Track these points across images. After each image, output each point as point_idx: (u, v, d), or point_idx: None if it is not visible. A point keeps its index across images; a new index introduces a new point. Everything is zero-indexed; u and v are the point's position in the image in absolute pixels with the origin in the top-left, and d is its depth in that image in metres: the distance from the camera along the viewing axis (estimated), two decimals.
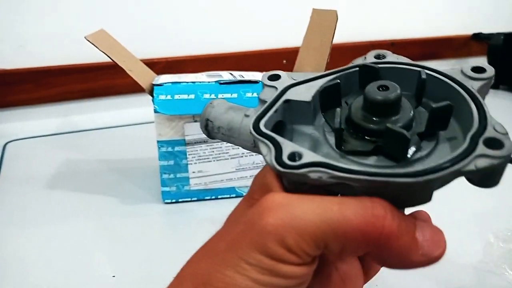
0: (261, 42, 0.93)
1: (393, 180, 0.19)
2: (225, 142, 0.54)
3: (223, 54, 0.91)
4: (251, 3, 0.91)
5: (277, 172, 0.21)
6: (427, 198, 0.21)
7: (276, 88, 0.26)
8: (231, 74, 0.57)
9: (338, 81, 0.25)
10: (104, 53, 0.51)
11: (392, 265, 0.20)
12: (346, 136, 0.23)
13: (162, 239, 0.51)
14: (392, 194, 0.20)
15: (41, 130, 0.80)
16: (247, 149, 0.27)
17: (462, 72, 0.24)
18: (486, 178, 0.20)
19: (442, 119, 0.22)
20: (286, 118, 0.25)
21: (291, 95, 0.25)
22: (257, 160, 0.56)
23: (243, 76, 0.55)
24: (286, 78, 0.26)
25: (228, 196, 0.57)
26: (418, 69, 0.24)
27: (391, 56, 0.26)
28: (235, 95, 0.52)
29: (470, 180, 0.20)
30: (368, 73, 0.25)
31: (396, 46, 1.07)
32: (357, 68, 0.26)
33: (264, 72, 0.27)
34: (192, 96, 0.51)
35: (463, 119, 0.22)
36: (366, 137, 0.23)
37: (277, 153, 0.21)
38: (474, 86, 0.23)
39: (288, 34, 0.85)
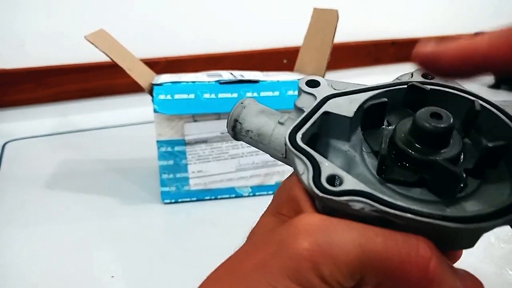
0: (262, 42, 0.93)
1: (444, 224, 0.17)
2: (225, 142, 0.54)
3: (223, 54, 0.91)
4: (252, 2, 0.91)
5: (313, 195, 0.19)
6: (472, 244, 0.19)
7: (314, 96, 0.24)
8: (231, 73, 0.57)
9: (386, 99, 0.23)
10: (104, 53, 0.51)
11: None
12: (388, 161, 0.21)
13: (162, 239, 0.50)
14: (437, 236, 0.18)
15: (41, 130, 0.80)
16: (275, 158, 0.25)
17: None
18: None
19: (494, 158, 0.20)
20: (321, 130, 0.23)
21: (331, 107, 0.23)
22: (257, 160, 0.56)
23: (243, 76, 0.55)
24: (325, 86, 0.24)
25: (227, 196, 0.56)
26: (472, 98, 0.23)
27: (439, 78, 0.24)
28: (235, 95, 0.52)
29: None
30: (416, 94, 0.23)
31: (396, 45, 1.07)
32: (404, 86, 0.24)
33: (302, 77, 0.25)
34: (192, 96, 0.51)
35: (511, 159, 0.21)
36: (409, 166, 0.21)
37: (315, 173, 0.19)
38: None
39: (289, 34, 0.85)
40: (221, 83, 0.52)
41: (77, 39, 0.57)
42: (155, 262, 0.45)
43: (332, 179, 0.19)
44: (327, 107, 0.23)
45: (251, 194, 0.56)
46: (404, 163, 0.21)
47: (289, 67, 0.63)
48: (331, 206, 0.19)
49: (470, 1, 1.13)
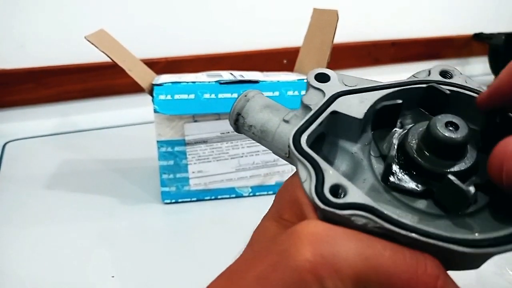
0: (262, 42, 0.93)
1: (452, 248, 0.16)
2: (225, 142, 0.54)
3: (223, 54, 0.91)
4: (252, 2, 0.91)
5: (315, 206, 0.18)
6: (478, 266, 0.19)
7: (323, 92, 0.22)
8: (231, 74, 0.57)
9: (400, 101, 0.21)
10: (104, 53, 0.51)
11: None
12: (395, 167, 0.20)
13: (162, 239, 0.50)
14: (443, 256, 0.17)
15: (41, 130, 0.80)
16: (277, 155, 0.23)
17: None
18: None
19: None
20: (328, 129, 0.22)
21: (340, 106, 0.21)
22: (257, 160, 0.56)
23: (243, 76, 0.55)
24: (336, 81, 0.22)
25: (228, 196, 0.56)
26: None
27: (458, 77, 0.23)
28: (235, 95, 0.52)
29: None
30: (435, 96, 0.21)
31: (396, 46, 1.07)
32: (421, 85, 0.22)
33: (312, 70, 0.23)
34: (192, 96, 0.51)
35: None
36: (416, 174, 0.20)
37: (318, 182, 0.18)
38: None
39: (289, 34, 0.85)
40: (221, 83, 0.52)
41: (77, 39, 0.57)
42: (155, 262, 0.45)
43: (335, 190, 0.18)
44: (336, 106, 0.21)
45: (251, 194, 0.56)
46: (412, 171, 0.20)
47: (289, 67, 0.63)
48: (332, 219, 0.18)
49: (470, 2, 1.13)
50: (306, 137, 0.20)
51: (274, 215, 0.21)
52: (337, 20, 0.53)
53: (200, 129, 0.53)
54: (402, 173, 0.20)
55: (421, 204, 0.19)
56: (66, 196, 0.58)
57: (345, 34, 0.93)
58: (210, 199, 0.57)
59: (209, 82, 0.52)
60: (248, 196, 0.56)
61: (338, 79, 0.23)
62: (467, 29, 1.14)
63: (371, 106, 0.21)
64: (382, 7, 1.05)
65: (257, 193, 0.57)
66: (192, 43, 0.89)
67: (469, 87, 0.22)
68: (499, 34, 1.06)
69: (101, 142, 0.77)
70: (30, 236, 0.50)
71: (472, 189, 0.19)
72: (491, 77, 1.08)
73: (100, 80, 0.83)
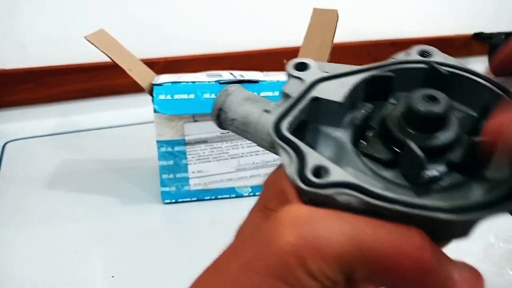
0: (261, 42, 0.93)
1: (433, 216, 0.16)
2: (225, 142, 0.54)
3: (223, 54, 0.91)
4: (251, 2, 0.91)
5: (298, 189, 0.18)
6: (465, 234, 0.18)
7: (303, 80, 0.22)
8: (231, 74, 0.57)
9: (392, 74, 0.21)
10: (104, 53, 0.51)
11: None
12: (372, 137, 0.21)
13: (162, 239, 0.50)
14: (428, 227, 0.17)
15: (41, 130, 0.80)
16: (262, 147, 0.23)
17: None
18: None
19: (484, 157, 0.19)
20: (310, 116, 0.22)
21: (320, 92, 0.21)
22: (257, 160, 0.56)
23: (243, 76, 0.55)
24: (315, 68, 0.23)
25: (228, 196, 0.56)
26: (494, 88, 0.21)
27: (437, 55, 0.23)
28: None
29: None
30: (434, 77, 0.21)
31: (396, 46, 1.07)
32: (411, 65, 0.22)
33: (291, 60, 0.23)
34: (192, 96, 0.51)
35: None
36: (389, 143, 0.20)
37: (300, 165, 0.18)
38: None
39: (289, 34, 0.85)
40: (221, 83, 0.52)
41: (77, 39, 0.57)
42: (155, 262, 0.45)
43: (318, 171, 0.18)
44: (316, 92, 0.21)
45: (251, 194, 0.56)
46: (385, 140, 0.20)
47: None
48: (316, 200, 0.18)
49: (470, 2, 1.13)
50: (286, 124, 0.20)
51: (260, 207, 0.21)
52: (337, 20, 0.53)
53: (200, 129, 0.53)
54: (376, 141, 0.20)
55: (388, 173, 0.20)
56: (66, 196, 0.58)
57: (345, 34, 0.93)
58: (210, 199, 0.57)
59: (209, 82, 0.52)
60: (248, 196, 0.56)
61: (318, 67, 0.23)
62: (467, 29, 1.14)
63: (351, 89, 0.21)
64: (382, 7, 1.05)
65: (257, 193, 0.57)
66: (192, 43, 0.89)
67: (472, 71, 0.22)
68: (499, 34, 1.06)
69: (101, 142, 0.77)
70: (30, 236, 0.50)
71: (441, 167, 0.19)
72: (491, 77, 1.08)
73: (100, 80, 0.83)
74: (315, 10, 0.56)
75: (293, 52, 0.62)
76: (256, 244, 0.18)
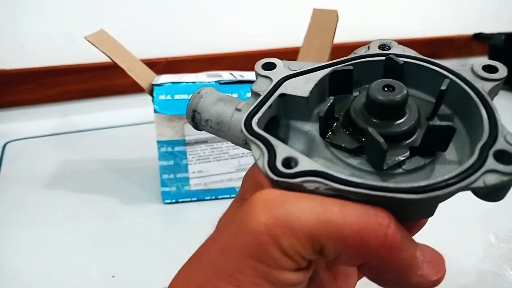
0: (262, 42, 0.93)
1: (395, 196, 0.17)
2: (225, 142, 0.54)
3: (223, 54, 0.91)
4: (252, 3, 0.91)
5: (270, 180, 0.19)
6: (430, 213, 0.19)
7: (270, 79, 0.23)
8: (231, 74, 0.57)
9: (351, 67, 0.23)
10: (104, 53, 0.51)
11: (387, 283, 0.19)
12: (338, 128, 0.22)
13: (162, 239, 0.50)
14: (393, 208, 0.18)
15: (41, 130, 0.80)
16: (237, 145, 0.25)
17: (472, 70, 0.22)
18: (493, 193, 0.19)
19: (441, 140, 0.20)
20: (281, 113, 0.23)
21: (286, 88, 0.23)
22: None
23: (243, 76, 0.55)
24: (282, 67, 0.24)
25: (228, 196, 0.56)
26: (445, 72, 0.22)
27: (396, 47, 0.25)
28: (235, 95, 0.52)
29: (476, 193, 0.19)
30: (393, 68, 0.23)
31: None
32: (363, 60, 0.24)
33: (259, 60, 0.25)
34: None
35: (471, 125, 0.21)
36: (354, 133, 0.21)
37: (270, 158, 0.19)
38: (485, 87, 0.21)
39: (289, 34, 0.85)
40: (221, 84, 0.52)
41: (77, 39, 0.57)
42: (155, 262, 0.45)
43: (287, 162, 0.19)
44: (283, 89, 0.23)
45: None
46: (350, 129, 0.22)
47: None
48: (288, 189, 0.19)
49: (470, 2, 1.13)
50: (256, 120, 0.21)
51: (238, 198, 0.22)
52: (337, 20, 0.53)
53: None
54: (342, 131, 0.22)
55: (355, 160, 0.21)
56: (66, 196, 0.58)
57: (345, 34, 0.93)
58: (210, 199, 0.57)
59: (209, 82, 0.52)
60: None
61: (284, 66, 0.24)
62: (467, 29, 1.14)
63: (316, 84, 0.23)
64: (382, 7, 1.05)
65: None
66: (192, 43, 0.89)
67: (423, 58, 0.23)
68: (499, 34, 1.06)
69: (101, 142, 0.77)
70: (30, 236, 0.50)
71: (403, 152, 0.20)
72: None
73: (100, 80, 0.83)
74: (315, 10, 0.56)
75: (293, 52, 0.62)
76: (232, 228, 0.19)
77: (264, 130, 0.21)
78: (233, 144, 0.54)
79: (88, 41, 0.51)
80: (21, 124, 0.81)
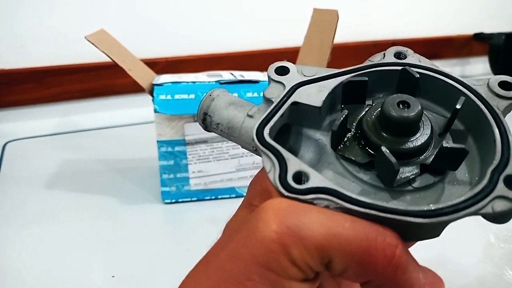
0: (262, 42, 0.93)
1: (404, 219, 0.17)
2: (225, 142, 0.54)
3: (223, 54, 0.91)
4: (252, 2, 0.91)
5: (280, 195, 0.19)
6: (436, 235, 0.20)
7: (283, 85, 0.23)
8: (231, 74, 0.57)
9: (366, 78, 0.22)
10: (104, 53, 0.51)
11: None
12: (350, 141, 0.22)
13: (162, 239, 0.50)
14: (400, 228, 0.18)
15: (41, 130, 0.80)
16: (247, 150, 0.25)
17: (488, 86, 0.22)
18: (500, 217, 0.18)
19: (453, 160, 0.20)
20: (292, 120, 0.23)
21: (300, 96, 0.22)
22: (258, 160, 0.56)
23: (243, 76, 0.55)
24: (295, 73, 0.23)
25: (228, 196, 0.56)
26: (460, 87, 0.22)
27: (412, 57, 0.24)
28: (235, 95, 0.52)
29: (483, 216, 0.19)
30: (408, 79, 0.22)
31: (397, 45, 1.07)
32: (389, 68, 0.23)
33: (271, 64, 0.24)
34: (192, 96, 0.51)
35: (483, 144, 0.21)
36: (365, 147, 0.21)
37: (282, 171, 0.19)
38: (499, 105, 0.21)
39: (289, 34, 0.85)
40: (221, 83, 0.52)
41: (77, 39, 0.57)
42: (155, 262, 0.45)
43: (298, 177, 0.19)
44: (296, 97, 0.22)
45: None
46: (362, 143, 0.21)
47: None
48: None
49: (470, 2, 1.13)
50: (268, 129, 0.21)
51: (245, 203, 0.22)
52: (337, 20, 0.53)
53: (200, 129, 0.52)
54: (354, 144, 0.21)
55: (365, 175, 0.21)
56: (66, 196, 0.58)
57: (345, 34, 0.93)
58: (210, 199, 0.57)
59: (209, 82, 0.52)
60: None
61: (297, 71, 0.24)
62: (467, 29, 1.14)
63: (330, 93, 0.22)
64: (382, 7, 1.05)
65: None
66: (192, 43, 0.89)
67: (440, 71, 0.23)
68: (499, 34, 1.06)
69: (101, 142, 0.77)
70: (30, 236, 0.50)
71: (413, 169, 0.20)
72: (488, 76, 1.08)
73: (100, 80, 0.83)
74: (315, 10, 0.56)
75: (293, 52, 0.62)
76: (242, 235, 0.19)
77: (275, 137, 0.21)
78: (233, 144, 0.54)
79: (88, 41, 0.51)
80: (21, 124, 0.81)
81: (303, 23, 0.58)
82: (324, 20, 0.55)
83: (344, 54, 1.00)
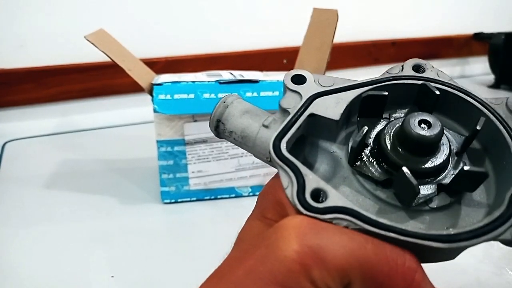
0: (261, 42, 0.93)
1: (424, 244, 0.17)
2: (225, 142, 0.54)
3: (223, 54, 0.91)
4: (251, 2, 0.91)
5: (298, 212, 0.18)
6: (451, 258, 0.20)
7: (300, 95, 0.22)
8: (231, 73, 0.57)
9: (386, 93, 0.22)
10: (104, 53, 0.51)
11: None
12: (368, 157, 0.21)
13: (162, 239, 0.50)
14: (418, 251, 0.18)
15: (40, 130, 0.80)
16: (259, 159, 0.24)
17: (506, 105, 0.22)
18: None
19: (472, 183, 0.20)
20: (308, 131, 0.22)
21: (317, 108, 0.22)
22: (257, 160, 0.55)
23: (243, 76, 0.55)
24: (312, 82, 0.23)
25: (227, 196, 0.56)
26: (479, 106, 0.21)
27: (431, 70, 0.24)
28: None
29: (501, 242, 0.19)
30: (427, 94, 0.22)
31: (397, 45, 1.07)
32: (397, 81, 0.23)
33: (287, 72, 0.23)
34: (191, 96, 0.51)
35: (501, 166, 0.20)
36: (384, 164, 0.21)
37: (299, 187, 0.19)
38: None
39: (289, 34, 0.85)
40: (221, 83, 0.52)
41: (77, 39, 0.57)
42: (155, 262, 0.45)
43: (316, 194, 0.19)
44: (313, 108, 0.22)
45: (251, 194, 0.56)
46: (380, 160, 0.21)
47: (289, 67, 0.63)
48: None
49: (470, 2, 1.13)
50: (285, 143, 0.20)
51: (258, 215, 0.22)
52: (337, 20, 0.53)
53: (200, 129, 0.53)
54: (371, 161, 0.21)
55: (383, 194, 0.21)
56: (66, 196, 0.58)
57: (345, 34, 0.93)
58: (210, 199, 0.56)
59: (208, 81, 0.52)
60: (248, 196, 0.56)
61: (314, 80, 0.23)
62: (467, 29, 1.14)
63: (347, 106, 0.22)
64: (382, 7, 1.05)
65: (257, 193, 0.56)
66: (192, 43, 0.89)
67: (460, 88, 0.23)
68: (499, 34, 1.06)
69: (101, 142, 0.77)
70: (29, 236, 0.50)
71: (431, 189, 0.20)
72: (491, 77, 1.08)
73: (100, 80, 0.83)
74: (315, 10, 0.56)
75: (293, 52, 0.62)
76: (261, 251, 0.18)
77: (290, 148, 0.20)
78: (232, 144, 0.54)
79: (88, 40, 0.51)
80: (20, 123, 0.81)
81: (302, 23, 0.58)
82: (324, 20, 0.55)
83: (344, 54, 1.00)
